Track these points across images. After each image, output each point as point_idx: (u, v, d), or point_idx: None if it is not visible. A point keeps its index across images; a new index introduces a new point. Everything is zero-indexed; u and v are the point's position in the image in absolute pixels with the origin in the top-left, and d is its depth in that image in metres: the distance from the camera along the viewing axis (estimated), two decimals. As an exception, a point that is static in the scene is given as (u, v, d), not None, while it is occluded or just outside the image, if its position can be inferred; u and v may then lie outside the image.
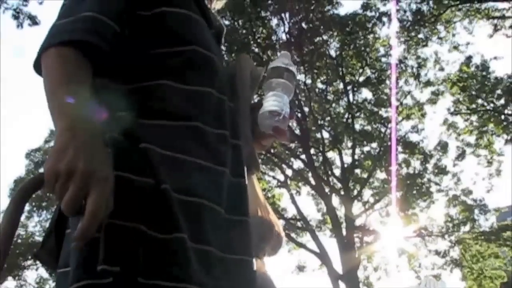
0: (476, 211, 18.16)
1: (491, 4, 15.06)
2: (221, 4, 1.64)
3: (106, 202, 1.02)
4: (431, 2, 15.48)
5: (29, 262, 21.20)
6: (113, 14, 1.25)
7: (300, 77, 16.68)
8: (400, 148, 17.72)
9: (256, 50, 15.90)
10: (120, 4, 1.28)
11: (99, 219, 1.01)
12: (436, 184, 18.45)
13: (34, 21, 13.44)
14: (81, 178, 1.01)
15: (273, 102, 1.49)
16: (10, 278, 21.18)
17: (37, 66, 1.24)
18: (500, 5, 14.93)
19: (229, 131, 1.36)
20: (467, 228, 18.37)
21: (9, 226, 1.09)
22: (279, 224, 1.80)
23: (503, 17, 15.18)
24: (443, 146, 18.29)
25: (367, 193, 18.60)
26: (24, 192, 1.10)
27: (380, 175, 18.55)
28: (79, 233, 0.99)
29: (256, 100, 1.62)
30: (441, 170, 18.34)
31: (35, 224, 22.35)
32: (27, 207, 22.45)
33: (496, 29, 15.36)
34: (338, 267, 16.07)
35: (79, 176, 1.01)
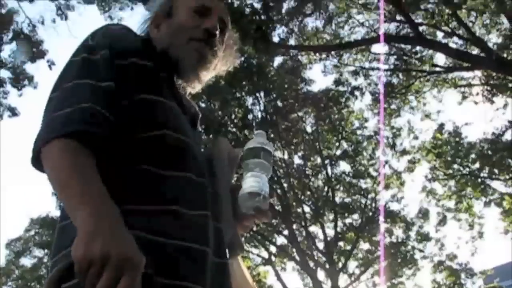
0: (463, 275, 18.06)
1: (457, 73, 15.56)
2: (196, 89, 1.65)
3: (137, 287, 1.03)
4: (400, 74, 15.92)
5: None
6: (106, 105, 1.29)
7: (278, 153, 16.81)
8: (381, 218, 17.74)
9: (233, 130, 16.07)
10: (110, 95, 1.32)
11: None
12: (420, 251, 18.39)
13: (13, 112, 13.62)
14: (117, 263, 1.01)
15: (252, 183, 1.49)
16: None
17: (34, 160, 1.25)
18: (466, 74, 15.44)
19: (211, 213, 1.38)
20: (455, 293, 18.22)
21: None
22: None
23: (469, 85, 15.65)
24: (424, 213, 18.35)
25: (352, 265, 18.44)
26: (57, 279, 1.07)
27: (364, 245, 18.50)
28: None
29: (235, 181, 1.63)
30: (424, 237, 18.31)
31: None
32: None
33: (464, 96, 15.81)
34: None
35: (114, 262, 1.01)
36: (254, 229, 16.25)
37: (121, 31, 1.49)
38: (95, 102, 1.28)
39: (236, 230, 1.53)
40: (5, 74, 13.68)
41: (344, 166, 18.14)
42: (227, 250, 1.44)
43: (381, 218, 17.56)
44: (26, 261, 22.77)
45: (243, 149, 1.60)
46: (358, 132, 17.96)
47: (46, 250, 20.32)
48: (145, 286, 1.11)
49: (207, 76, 1.60)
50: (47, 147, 1.21)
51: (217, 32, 1.57)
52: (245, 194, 1.50)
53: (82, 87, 1.31)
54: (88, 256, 1.02)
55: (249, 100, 16.83)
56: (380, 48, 15.53)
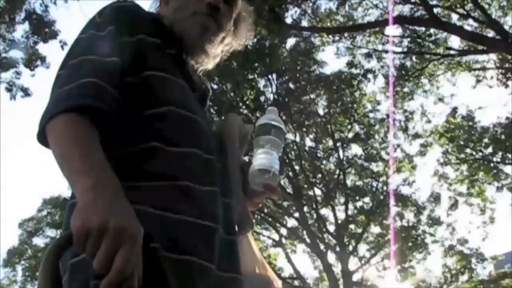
0: (473, 260, 18.12)
1: (471, 57, 15.41)
2: (207, 65, 1.63)
3: (135, 259, 1.02)
4: (414, 57, 15.81)
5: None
6: (111, 80, 1.29)
7: (290, 135, 16.83)
8: (392, 201, 17.74)
9: (245, 111, 16.08)
10: (116, 72, 1.32)
11: (125, 276, 1.00)
12: (431, 235, 18.42)
13: (26, 93, 13.72)
14: (114, 234, 1.01)
15: (262, 160, 1.49)
16: None
17: (40, 136, 1.25)
18: (480, 57, 15.30)
19: (219, 189, 1.37)
20: (465, 277, 18.25)
21: (47, 285, 1.04)
22: (277, 280, 1.78)
23: (484, 69, 15.52)
24: (435, 197, 18.34)
25: (362, 248, 18.52)
26: (57, 249, 1.07)
27: (374, 229, 18.53)
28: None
29: (246, 158, 1.63)
30: (435, 221, 18.33)
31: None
32: (20, 278, 22.15)
33: (478, 80, 15.68)
34: (338, 325, 15.80)
35: (112, 233, 1.01)
36: (265, 211, 16.33)
37: (129, 8, 1.48)
38: (99, 77, 1.28)
39: (246, 207, 1.51)
40: (17, 54, 13.76)
41: (356, 149, 18.18)
42: (236, 227, 1.43)
43: (392, 202, 17.57)
44: (39, 241, 23.11)
45: (255, 125, 1.59)
46: (371, 115, 17.96)
47: (58, 230, 20.54)
48: (151, 260, 1.10)
49: (213, 49, 1.58)
50: (52, 122, 1.22)
51: (221, 6, 1.55)
52: (254, 171, 1.49)
53: (87, 63, 1.31)
54: (86, 227, 1.02)
55: (261, 82, 16.87)
56: (393, 30, 15.40)
